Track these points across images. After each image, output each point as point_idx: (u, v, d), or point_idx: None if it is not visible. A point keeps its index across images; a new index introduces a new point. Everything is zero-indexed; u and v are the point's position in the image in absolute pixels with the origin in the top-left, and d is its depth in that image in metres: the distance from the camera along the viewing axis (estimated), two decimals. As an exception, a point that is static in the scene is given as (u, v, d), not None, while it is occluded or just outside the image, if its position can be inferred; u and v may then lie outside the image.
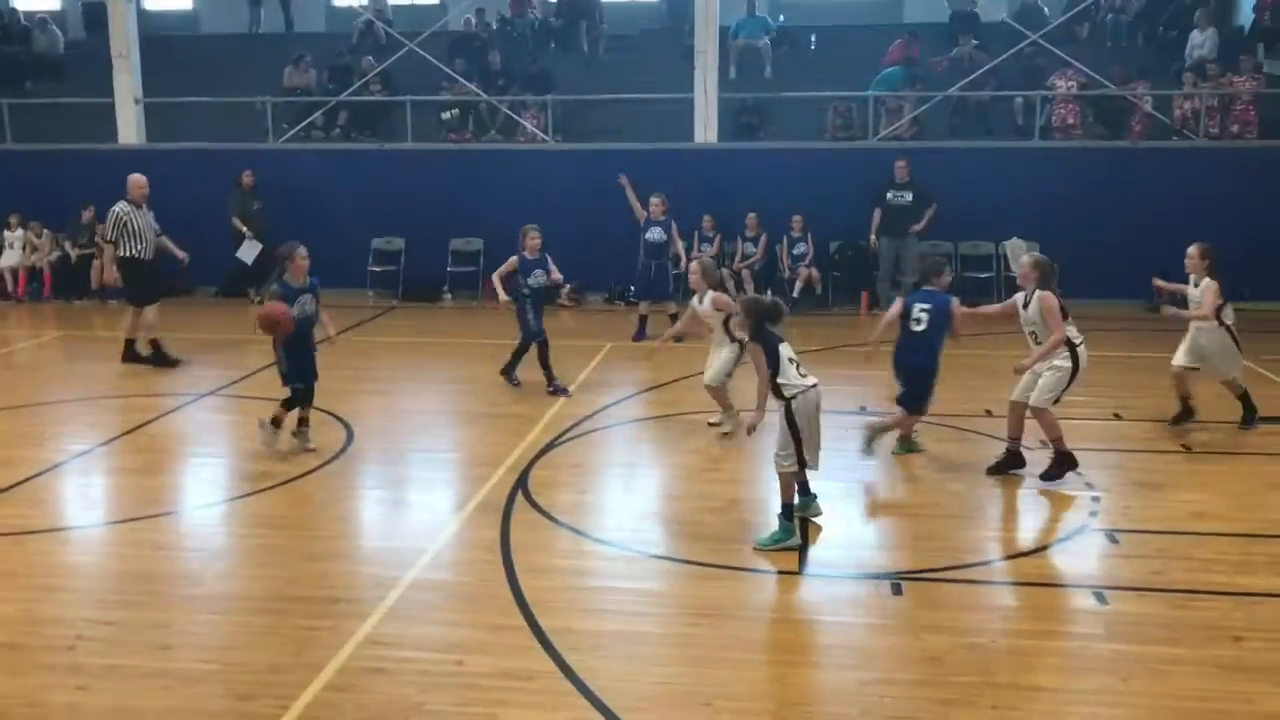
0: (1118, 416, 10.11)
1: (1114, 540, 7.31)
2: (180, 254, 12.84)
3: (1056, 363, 8.25)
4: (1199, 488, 8.28)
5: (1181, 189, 14.68)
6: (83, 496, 8.52)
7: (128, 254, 12.20)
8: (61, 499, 8.43)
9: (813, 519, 7.49)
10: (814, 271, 15.68)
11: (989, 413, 10.18)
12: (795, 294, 15.59)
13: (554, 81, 17.71)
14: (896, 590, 6.57)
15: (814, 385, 7.15)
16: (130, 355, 12.55)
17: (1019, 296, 8.51)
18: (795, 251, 15.76)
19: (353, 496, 8.38)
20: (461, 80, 17.50)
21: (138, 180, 12.37)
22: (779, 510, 7.17)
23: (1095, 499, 8.05)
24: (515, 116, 17.16)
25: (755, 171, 15.87)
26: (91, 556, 7.34)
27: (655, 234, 13.73)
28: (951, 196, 14.96)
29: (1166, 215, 14.19)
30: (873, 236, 15.36)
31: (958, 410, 10.23)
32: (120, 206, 12.23)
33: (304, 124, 17.47)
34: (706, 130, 16.33)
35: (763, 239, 15.72)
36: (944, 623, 6.13)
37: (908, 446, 9.17)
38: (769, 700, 5.39)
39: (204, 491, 8.55)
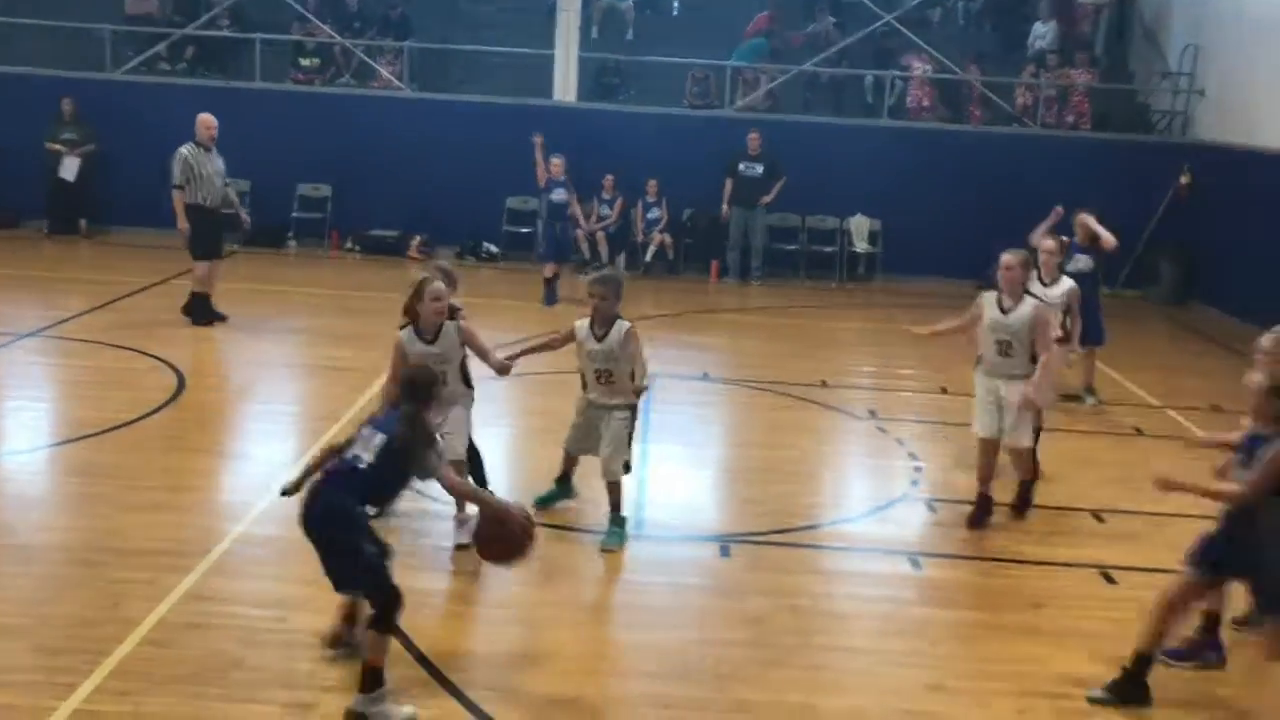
0: (944, 390, 10.55)
1: (932, 509, 7.66)
2: (244, 214, 12.00)
3: (1020, 386, 7.01)
4: (1014, 461, 8.70)
5: (1019, 173, 15.27)
6: (-115, 439, 8.05)
7: (193, 200, 11.16)
8: None
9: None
10: (667, 237, 15.81)
11: (824, 382, 10.49)
12: (648, 258, 15.70)
13: (413, 28, 17.32)
14: (724, 553, 6.76)
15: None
16: (200, 313, 11.30)
17: (987, 300, 7.23)
18: (649, 216, 15.85)
19: (181, 447, 8.10)
20: (315, 20, 16.95)
21: (206, 120, 11.31)
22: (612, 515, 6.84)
23: (918, 469, 8.41)
24: (371, 62, 16.73)
25: (613, 133, 15.86)
26: (-107, 503, 6.95)
27: (558, 195, 13.60)
28: (801, 170, 15.26)
29: (1003, 198, 14.76)
30: (724, 206, 15.58)
31: (796, 378, 10.52)
32: (186, 149, 11.20)
33: (147, 55, 16.67)
34: (566, 88, 16.25)
35: (618, 202, 15.77)
36: (768, 585, 6.34)
37: None
38: (597, 659, 5.49)
39: (22, 437, 8.18)
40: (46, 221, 16.09)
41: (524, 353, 7.12)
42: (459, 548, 6.43)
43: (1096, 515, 7.65)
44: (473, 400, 6.80)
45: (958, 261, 15.36)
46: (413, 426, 4.90)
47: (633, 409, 6.86)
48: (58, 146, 15.68)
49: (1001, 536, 7.23)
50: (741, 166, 15.43)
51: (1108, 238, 9.92)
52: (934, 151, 15.86)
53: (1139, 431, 9.65)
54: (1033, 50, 17.34)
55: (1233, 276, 14.86)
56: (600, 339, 6.72)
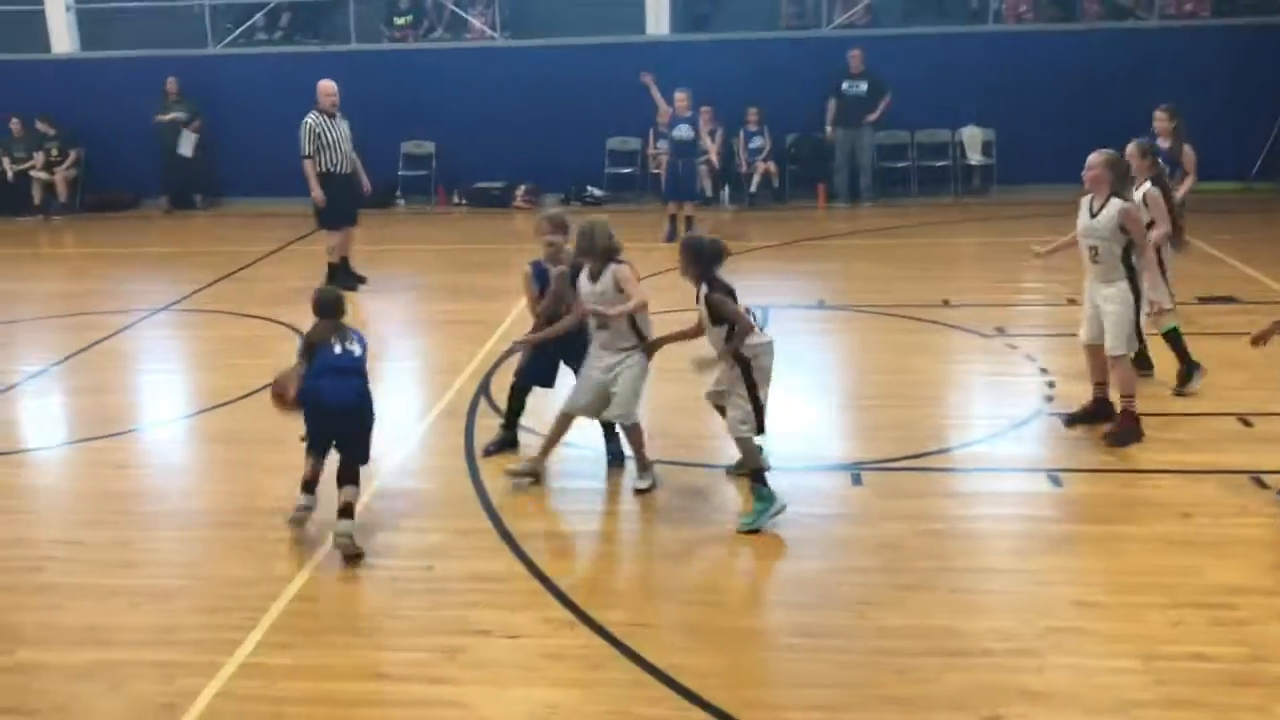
0: (1072, 301, 10.20)
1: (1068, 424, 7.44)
2: (366, 181, 11.73)
3: (1112, 292, 6.92)
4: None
5: (1135, 71, 14.60)
6: (40, 418, 8.45)
7: (323, 169, 11.15)
8: (17, 421, 8.35)
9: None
10: (771, 165, 15.57)
11: (946, 302, 10.26)
12: (753, 188, 15.50)
13: (500, -25, 17.28)
14: (856, 480, 6.69)
15: (771, 340, 6.21)
16: (344, 277, 11.20)
17: (1082, 205, 7.22)
18: (752, 145, 15.62)
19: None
20: (404, -24, 17.02)
21: (326, 87, 11.22)
22: (751, 481, 6.22)
23: (1050, 384, 8.17)
24: (463, 13, 16.75)
25: (708, 64, 15.61)
26: (51, 478, 7.31)
27: (683, 130, 13.26)
28: (907, 84, 14.84)
29: (1118, 99, 14.14)
30: (829, 128, 15.25)
31: (916, 300, 10.30)
32: (311, 118, 11.15)
33: (245, 26, 16.96)
34: (658, 21, 16.03)
35: (719, 133, 15.56)
36: (902, 511, 6.26)
37: None
38: (734, 592, 5.51)
39: (163, 408, 8.50)
40: (165, 199, 16.61)
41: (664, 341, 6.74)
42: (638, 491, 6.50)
43: (1243, 419, 7.35)
44: (641, 355, 6.52)
45: (1075, 168, 14.67)
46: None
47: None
48: (172, 118, 16.07)
49: (1146, 447, 7.00)
50: (845, 85, 15.07)
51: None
52: (1044, 55, 15.25)
53: (1283, 329, 9.19)
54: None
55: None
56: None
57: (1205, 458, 6.84)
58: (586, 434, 7.49)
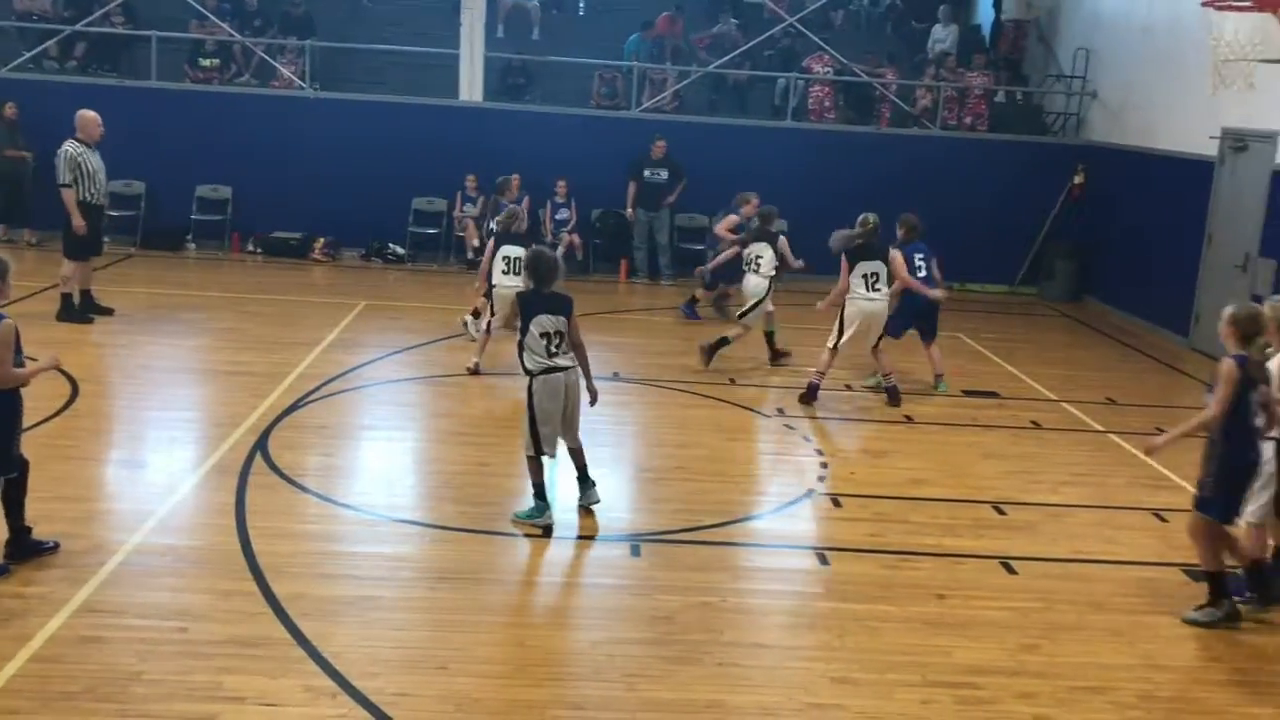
0: (848, 387, 10.71)
1: (838, 504, 7.76)
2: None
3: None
4: (918, 456, 8.88)
5: (920, 174, 15.57)
6: None
7: (80, 197, 11.04)
8: None
9: (588, 505, 7.23)
10: (576, 237, 15.78)
11: (732, 381, 10.57)
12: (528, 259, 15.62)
13: (315, 26, 17.03)
14: (635, 552, 6.77)
15: (563, 368, 6.89)
16: (85, 308, 11.34)
17: None
18: (558, 217, 15.80)
19: (74, 456, 7.83)
20: (213, 18, 16.57)
21: (95, 118, 11.20)
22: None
23: (824, 465, 8.52)
24: (272, 61, 16.41)
25: (520, 133, 15.79)
26: None
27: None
28: (708, 170, 15.35)
29: (905, 198, 15.01)
30: (630, 209, 15.64)
31: (705, 377, 10.58)
32: (70, 146, 11.05)
33: (35, 52, 16.13)
34: (471, 88, 16.13)
35: (525, 201, 15.67)
36: (678, 583, 6.37)
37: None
38: (505, 663, 5.46)
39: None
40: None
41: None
42: None
43: (997, 507, 7.84)
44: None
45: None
46: None
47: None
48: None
49: (906, 529, 7.37)
50: (647, 172, 15.51)
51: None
52: (838, 152, 16.09)
53: (1037, 425, 9.90)
54: (932, 53, 17.69)
55: (1124, 274, 15.35)
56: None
57: (963, 542, 7.25)
58: (368, 498, 7.36)
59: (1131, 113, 15.51)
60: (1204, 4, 9.85)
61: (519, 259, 9.81)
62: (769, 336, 11.39)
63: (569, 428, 7.07)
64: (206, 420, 8.83)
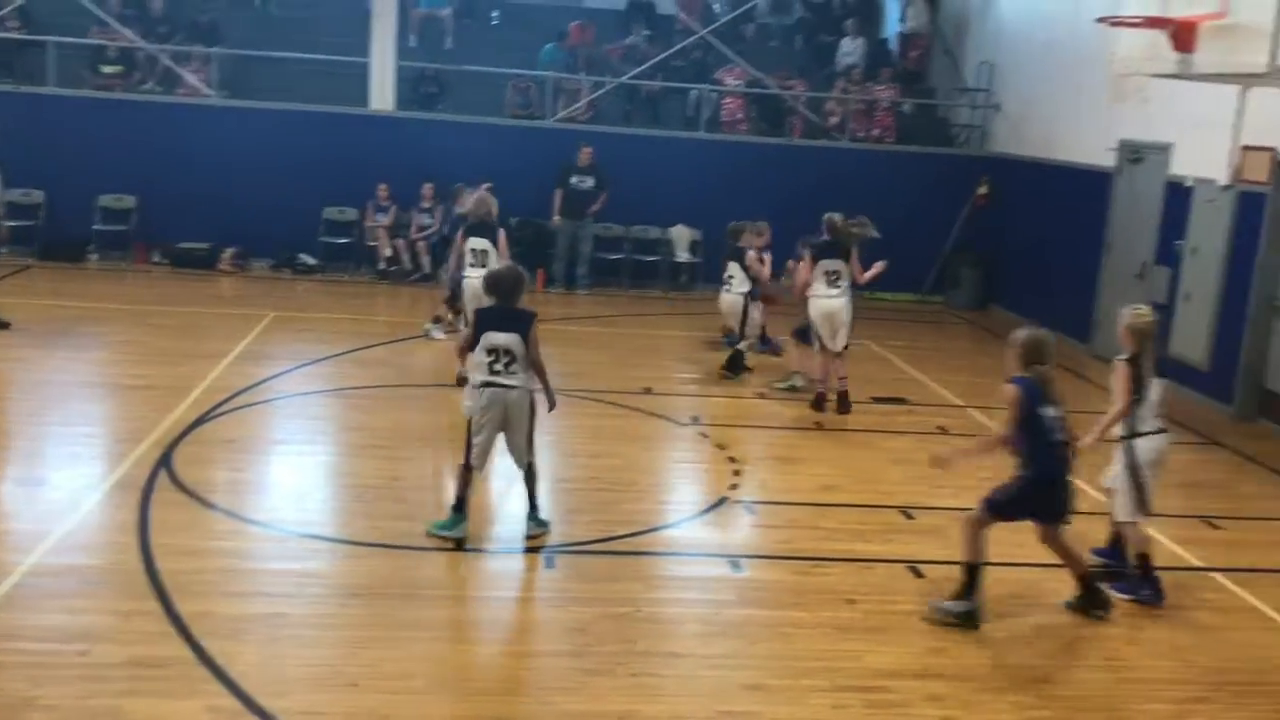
0: (762, 395, 10.82)
1: (751, 511, 7.84)
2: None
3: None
4: (828, 462, 9.01)
5: (830, 185, 15.77)
6: None
7: None
8: None
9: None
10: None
11: (648, 390, 10.61)
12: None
13: (222, 34, 16.72)
14: (550, 564, 6.75)
15: (503, 386, 6.70)
16: None
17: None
18: (471, 226, 15.71)
19: (-32, 475, 7.61)
20: (115, 25, 16.17)
21: None
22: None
23: (736, 473, 8.59)
24: (177, 68, 16.07)
25: (433, 143, 15.68)
26: None
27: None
28: (624, 181, 15.41)
29: (816, 209, 15.23)
30: (555, 217, 15.61)
31: (621, 386, 10.60)
32: None
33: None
34: (383, 97, 15.97)
35: (438, 210, 15.59)
36: (591, 594, 6.36)
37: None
38: (416, 679, 5.39)
39: None
40: None
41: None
42: None
43: (905, 512, 7.98)
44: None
45: (779, 272, 15.82)
46: None
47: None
48: None
49: (817, 535, 7.46)
50: (573, 180, 15.51)
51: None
52: (750, 164, 16.26)
53: (943, 431, 10.10)
54: (841, 66, 17.97)
55: (1027, 282, 15.75)
56: None
57: (872, 547, 7.36)
58: (277, 513, 7.24)
59: (1033, 125, 15.94)
60: (1099, 20, 10.16)
61: (485, 250, 9.88)
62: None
63: (513, 448, 6.92)
64: (109, 436, 8.61)
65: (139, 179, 15.36)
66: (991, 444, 6.38)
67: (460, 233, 10.41)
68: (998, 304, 16.42)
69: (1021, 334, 6.32)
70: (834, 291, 10.05)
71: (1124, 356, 6.63)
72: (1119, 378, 6.58)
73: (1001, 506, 6.23)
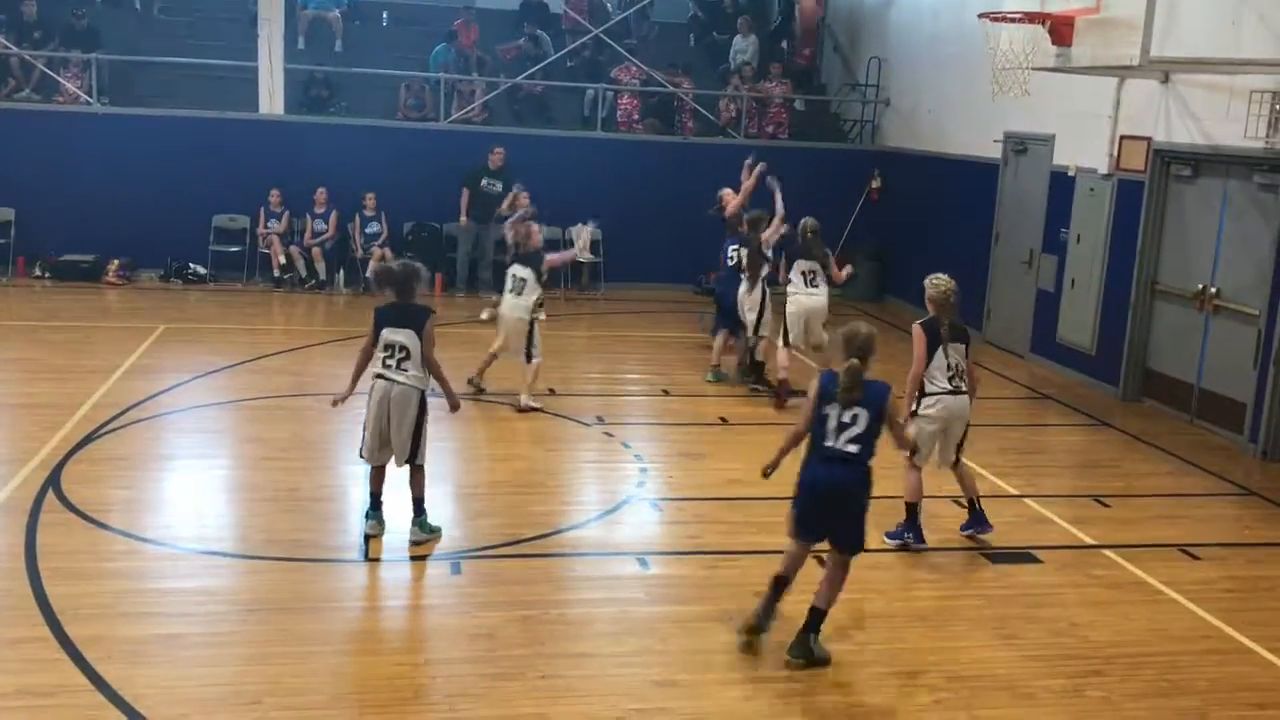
0: (666, 393, 10.87)
1: (658, 508, 7.86)
2: None
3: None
4: (733, 456, 9.07)
5: (726, 182, 15.91)
6: None
7: None
8: None
9: (410, 541, 6.99)
10: (388, 251, 15.48)
11: (552, 391, 10.57)
12: (368, 274, 15.33)
13: (101, 39, 16.20)
14: (455, 570, 6.69)
15: (390, 380, 6.78)
16: None
17: None
18: (368, 230, 15.50)
19: None
20: (-14, 30, 15.57)
21: None
22: None
23: (643, 470, 8.61)
24: (54, 75, 15.53)
25: (325, 146, 15.41)
26: None
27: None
28: (523, 181, 15.28)
29: (708, 204, 15.40)
30: (463, 218, 15.45)
31: (520, 388, 10.53)
32: None
33: None
34: (272, 101, 15.65)
35: (333, 216, 15.33)
36: (499, 599, 6.33)
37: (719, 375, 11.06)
38: (320, 693, 5.30)
39: None
40: None
41: None
42: None
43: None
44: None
45: (679, 269, 15.98)
46: None
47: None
48: None
49: (723, 530, 7.52)
50: (484, 182, 15.38)
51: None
52: (647, 162, 16.33)
53: (845, 421, 10.23)
54: (734, 64, 18.13)
55: (921, 273, 15.98)
56: None
57: (778, 539, 7.36)
58: (173, 530, 7.05)
59: (922, 119, 16.27)
60: (980, 15, 10.40)
61: (524, 280, 9.77)
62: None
63: (395, 444, 6.88)
64: (-9, 458, 8.29)
65: (17, 191, 14.84)
66: (797, 435, 6.15)
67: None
68: (893, 295, 16.73)
69: (845, 329, 6.31)
70: (813, 290, 10.57)
71: (921, 321, 7.41)
72: (914, 340, 7.43)
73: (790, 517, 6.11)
